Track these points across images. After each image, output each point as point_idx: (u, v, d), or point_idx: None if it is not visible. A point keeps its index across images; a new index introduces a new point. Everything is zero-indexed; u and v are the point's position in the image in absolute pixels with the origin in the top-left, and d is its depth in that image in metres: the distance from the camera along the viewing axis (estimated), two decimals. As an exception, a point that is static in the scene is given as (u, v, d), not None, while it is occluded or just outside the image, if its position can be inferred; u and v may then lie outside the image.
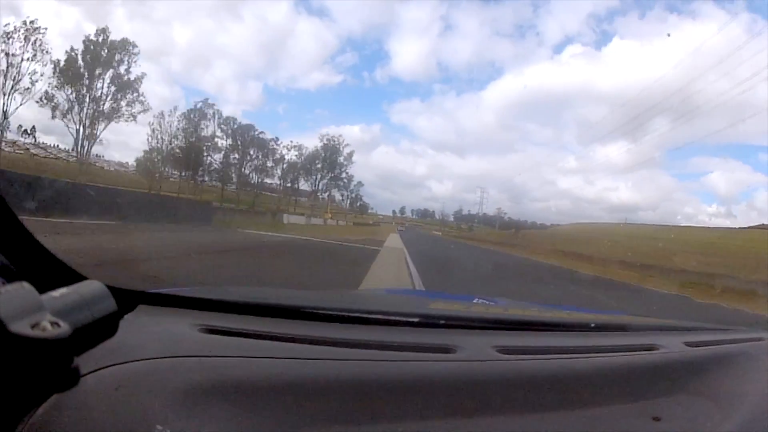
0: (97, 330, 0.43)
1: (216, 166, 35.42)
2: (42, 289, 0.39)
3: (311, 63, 73.17)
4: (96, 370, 0.52)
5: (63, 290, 0.42)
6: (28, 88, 24.46)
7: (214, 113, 33.76)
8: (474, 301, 1.58)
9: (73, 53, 27.03)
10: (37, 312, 0.35)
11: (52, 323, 0.35)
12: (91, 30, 29.13)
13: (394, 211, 74.58)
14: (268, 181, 38.62)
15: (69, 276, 0.62)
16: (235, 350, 0.65)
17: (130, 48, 28.86)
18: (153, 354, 0.59)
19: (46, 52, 25.56)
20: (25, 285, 0.37)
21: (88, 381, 0.50)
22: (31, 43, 24.99)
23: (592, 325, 1.08)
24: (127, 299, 0.73)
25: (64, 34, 47.05)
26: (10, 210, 0.57)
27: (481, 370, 0.71)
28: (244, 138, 35.79)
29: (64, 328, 0.35)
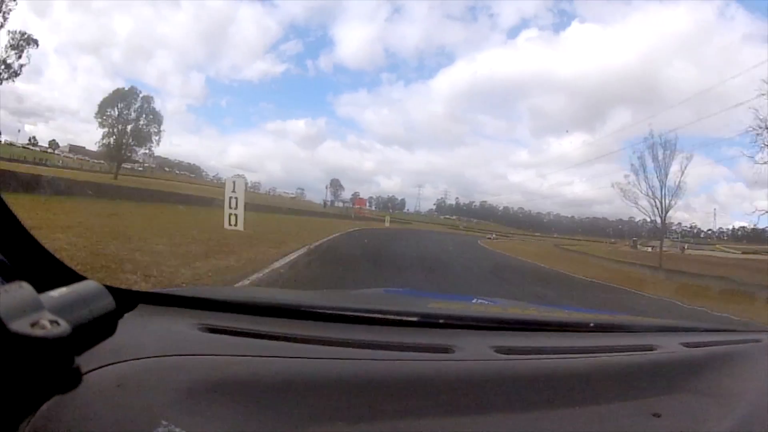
0: (96, 329, 0.42)
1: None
2: (40, 288, 0.38)
3: (254, 52, 65.85)
4: (97, 369, 0.52)
5: (62, 290, 0.41)
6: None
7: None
8: (473, 301, 1.56)
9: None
10: (36, 311, 0.35)
11: (52, 322, 0.34)
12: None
13: (328, 186, 53.58)
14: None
15: (67, 276, 0.62)
16: (235, 349, 0.64)
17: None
18: (154, 353, 0.58)
19: None
20: (24, 284, 0.37)
21: (89, 379, 0.49)
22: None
23: (591, 324, 1.06)
24: (127, 299, 0.72)
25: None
26: (9, 210, 0.57)
27: (479, 370, 0.71)
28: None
29: (64, 326, 0.34)
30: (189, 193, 25.91)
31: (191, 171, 52.09)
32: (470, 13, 75.14)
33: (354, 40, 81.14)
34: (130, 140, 34.66)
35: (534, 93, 78.86)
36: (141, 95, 34.01)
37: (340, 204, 50.68)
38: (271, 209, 28.86)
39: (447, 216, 56.46)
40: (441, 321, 0.90)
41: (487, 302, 1.53)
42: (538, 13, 69.40)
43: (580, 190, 62.16)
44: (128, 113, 33.79)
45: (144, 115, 33.70)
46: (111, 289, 0.47)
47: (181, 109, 68.38)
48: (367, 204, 53.69)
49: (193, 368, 0.57)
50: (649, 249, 33.99)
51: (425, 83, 78.81)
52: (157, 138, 33.99)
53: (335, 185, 50.68)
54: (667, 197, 21.44)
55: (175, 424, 0.47)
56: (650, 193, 21.94)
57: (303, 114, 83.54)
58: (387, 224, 40.43)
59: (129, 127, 33.87)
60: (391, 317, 0.87)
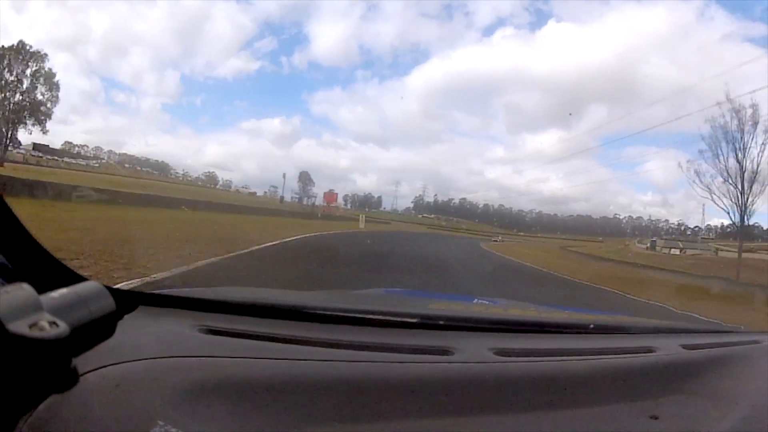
0: (95, 330, 0.42)
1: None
2: (41, 289, 0.38)
3: (228, 49, 69.56)
4: (96, 369, 0.52)
5: (62, 291, 0.41)
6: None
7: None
8: (474, 301, 1.56)
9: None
10: (35, 312, 0.35)
11: (51, 323, 0.34)
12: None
13: (285, 176, 49.42)
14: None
15: (68, 277, 0.62)
16: (235, 351, 0.65)
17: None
18: (153, 354, 0.59)
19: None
20: (24, 285, 0.37)
21: (88, 379, 0.50)
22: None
23: (591, 326, 1.06)
24: (127, 300, 0.73)
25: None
26: (11, 210, 0.57)
27: (477, 372, 0.71)
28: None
29: (63, 327, 0.35)
30: (78, 184, 18.14)
31: (156, 168, 50.09)
32: (446, 12, 74.83)
33: (329, 37, 78.80)
34: (25, 113, 25.77)
35: (510, 90, 79.30)
36: (30, 51, 25.37)
37: (305, 199, 43.23)
38: (193, 205, 21.42)
39: (425, 215, 51.80)
40: (441, 322, 0.90)
41: (487, 303, 1.52)
42: (514, 11, 69.00)
43: (556, 186, 61.21)
44: (13, 77, 24.98)
45: (34, 79, 25.10)
46: (111, 290, 0.46)
47: (157, 107, 68.24)
48: (341, 200, 46.54)
49: (192, 369, 0.57)
50: (678, 252, 30.51)
51: (400, 80, 76.86)
52: (51, 107, 25.54)
53: (304, 179, 43.39)
54: (748, 183, 16.56)
55: (172, 425, 0.47)
56: (731, 181, 16.99)
57: (278, 112, 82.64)
58: (361, 225, 33.77)
59: (15, 96, 25.09)
60: (391, 318, 0.87)
